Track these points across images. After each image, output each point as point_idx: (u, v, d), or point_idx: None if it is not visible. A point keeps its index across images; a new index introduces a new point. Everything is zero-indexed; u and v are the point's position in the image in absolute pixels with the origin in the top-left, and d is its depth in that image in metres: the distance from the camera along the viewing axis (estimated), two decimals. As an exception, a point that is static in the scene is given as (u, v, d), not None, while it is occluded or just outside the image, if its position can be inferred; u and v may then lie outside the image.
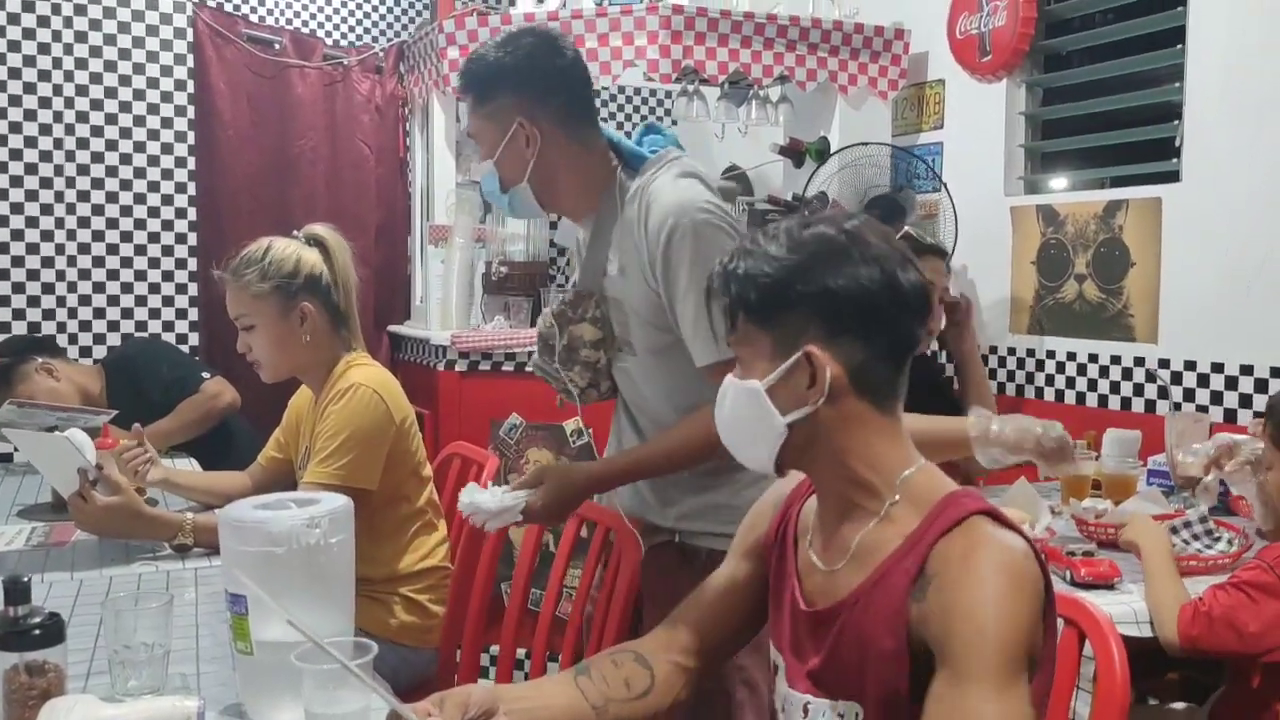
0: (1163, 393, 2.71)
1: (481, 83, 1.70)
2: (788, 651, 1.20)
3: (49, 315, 3.44)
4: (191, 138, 3.60)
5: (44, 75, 3.41)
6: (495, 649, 2.24)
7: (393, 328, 3.73)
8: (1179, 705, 2.02)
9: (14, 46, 3.37)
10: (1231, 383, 2.56)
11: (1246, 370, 2.53)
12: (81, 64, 3.46)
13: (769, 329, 1.13)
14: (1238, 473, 1.99)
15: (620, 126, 4.43)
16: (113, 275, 3.53)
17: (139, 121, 3.54)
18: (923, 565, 1.05)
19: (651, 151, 1.75)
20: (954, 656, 1.00)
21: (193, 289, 3.61)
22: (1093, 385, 2.92)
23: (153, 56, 3.55)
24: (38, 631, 1.14)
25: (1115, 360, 2.86)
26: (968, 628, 1.00)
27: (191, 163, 3.61)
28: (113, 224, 3.53)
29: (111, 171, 3.52)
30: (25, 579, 1.16)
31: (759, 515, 1.31)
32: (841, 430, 1.13)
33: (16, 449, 2.65)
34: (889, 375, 1.14)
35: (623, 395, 1.84)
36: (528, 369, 1.97)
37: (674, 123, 4.56)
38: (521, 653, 2.53)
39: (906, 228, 2.46)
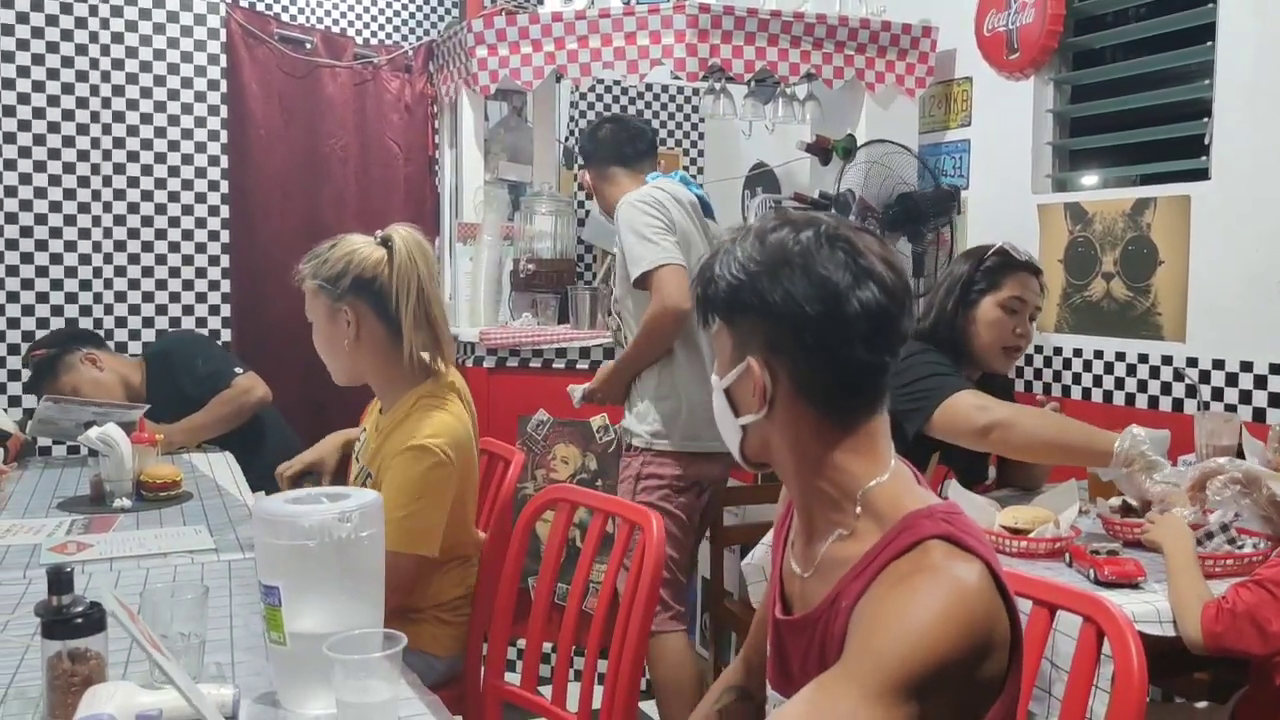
0: (1191, 391, 2.70)
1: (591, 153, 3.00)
2: (772, 655, 1.21)
3: (85, 312, 3.51)
4: (224, 136, 3.65)
5: (81, 76, 3.46)
6: (522, 643, 2.26)
7: (422, 324, 3.76)
8: (1203, 704, 2.02)
9: (53, 48, 3.43)
10: (1260, 381, 2.55)
11: (1276, 369, 2.52)
12: (118, 65, 3.52)
13: (730, 331, 1.14)
14: (1225, 494, 1.83)
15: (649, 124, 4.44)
16: (147, 272, 3.59)
17: (173, 121, 3.59)
18: (868, 585, 1.02)
19: (650, 179, 2.87)
20: (847, 652, 0.98)
21: (225, 286, 3.66)
22: (1120, 384, 2.91)
23: (186, 57, 3.60)
24: (80, 620, 1.17)
25: (1143, 359, 2.85)
26: (871, 633, 0.97)
27: (224, 161, 3.65)
28: (147, 222, 3.59)
29: (146, 170, 3.57)
30: (68, 569, 1.20)
31: (779, 509, 1.32)
32: (794, 439, 1.12)
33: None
34: (844, 392, 1.10)
35: (624, 332, 2.89)
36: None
37: (701, 120, 4.58)
38: (548, 647, 2.55)
39: (1001, 243, 2.44)
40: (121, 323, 3.56)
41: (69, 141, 3.46)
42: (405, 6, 4.34)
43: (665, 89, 4.56)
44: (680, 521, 2.72)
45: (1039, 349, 3.15)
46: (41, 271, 3.45)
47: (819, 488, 1.12)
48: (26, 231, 3.43)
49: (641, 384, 2.77)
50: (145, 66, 3.55)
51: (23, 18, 3.39)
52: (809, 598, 1.13)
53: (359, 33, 4.25)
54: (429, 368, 2.00)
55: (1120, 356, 2.91)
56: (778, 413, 1.11)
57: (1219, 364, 2.65)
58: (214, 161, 3.65)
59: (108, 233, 3.53)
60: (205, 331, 3.62)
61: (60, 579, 1.19)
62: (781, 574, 1.21)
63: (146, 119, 3.56)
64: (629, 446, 2.81)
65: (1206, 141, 2.68)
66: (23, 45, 3.40)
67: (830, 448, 1.10)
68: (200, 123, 3.64)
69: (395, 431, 1.92)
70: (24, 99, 3.40)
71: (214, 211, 3.66)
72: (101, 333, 3.39)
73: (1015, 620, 1.03)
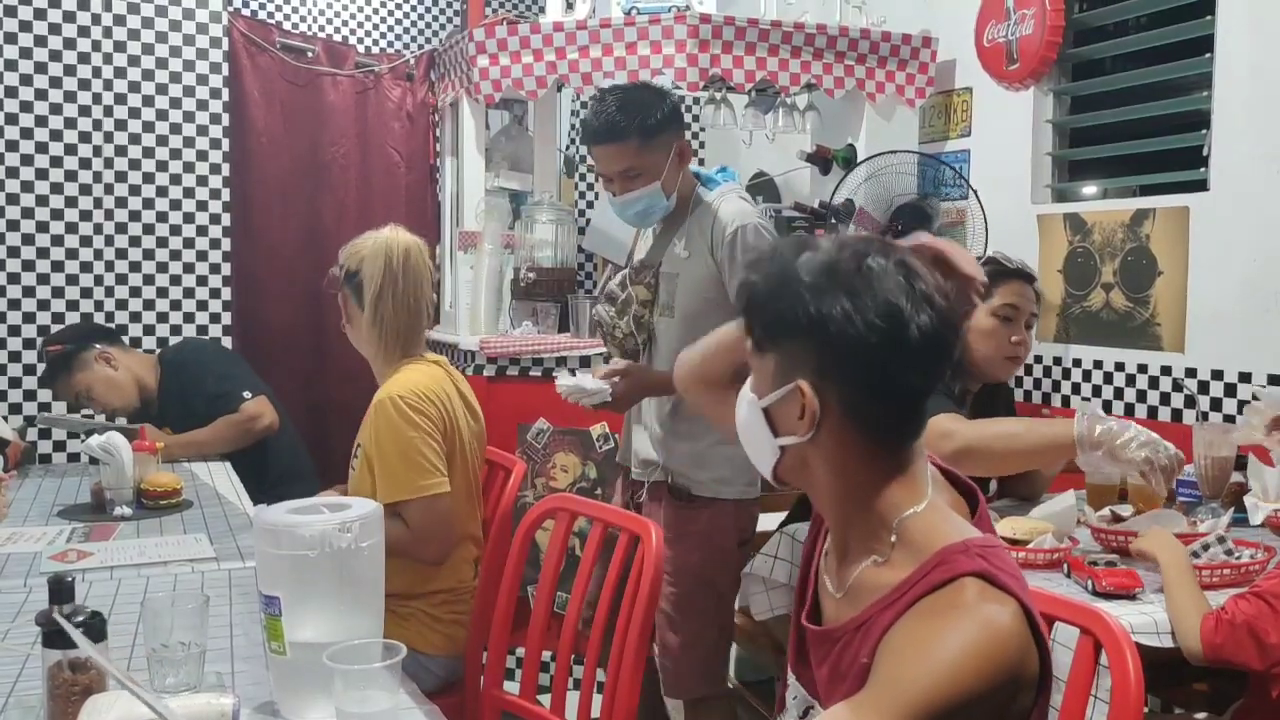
0: (1189, 402, 2.70)
1: (651, 128, 2.26)
2: (793, 653, 1.22)
3: (87, 319, 3.51)
4: (226, 144, 3.66)
5: (84, 84, 3.47)
6: (521, 651, 2.27)
7: (422, 332, 3.76)
8: (1201, 715, 2.02)
9: (55, 56, 3.44)
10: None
11: (1275, 380, 2.52)
12: (120, 72, 3.53)
13: (774, 350, 1.11)
14: None
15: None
16: (149, 279, 3.60)
17: (175, 128, 3.60)
18: (899, 617, 1.02)
19: (725, 180, 2.41)
20: (870, 684, 0.98)
21: (226, 293, 3.67)
22: (1119, 394, 2.92)
23: (189, 65, 3.61)
24: (81, 630, 1.17)
25: (1142, 369, 2.85)
26: (895, 666, 0.96)
27: (225, 169, 3.66)
28: (149, 229, 3.59)
29: (148, 177, 3.58)
30: (70, 579, 1.20)
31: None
32: (837, 464, 1.09)
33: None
34: (890, 419, 1.09)
35: (655, 349, 2.36)
36: (592, 312, 2.46)
37: (701, 129, 4.59)
38: (547, 655, 2.56)
39: (993, 252, 2.45)
40: (123, 330, 3.56)
41: (71, 149, 3.47)
42: (407, 15, 4.36)
43: (666, 98, 4.56)
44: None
45: (1038, 359, 3.16)
46: (43, 279, 3.45)
47: (857, 514, 1.10)
48: (29, 239, 3.44)
49: (687, 423, 2.28)
50: (148, 74, 3.56)
51: (25, 26, 3.41)
52: (838, 616, 1.13)
53: (360, 41, 4.27)
54: (401, 349, 2.20)
55: (1119, 367, 2.92)
56: (823, 436, 1.08)
57: (1218, 374, 2.66)
58: (215, 169, 3.66)
59: (110, 240, 3.53)
60: (207, 338, 3.62)
61: (61, 589, 1.19)
62: (816, 585, 1.21)
63: (149, 127, 3.58)
64: (686, 496, 2.30)
65: (1205, 153, 2.69)
66: (25, 54, 3.41)
67: (875, 474, 1.09)
68: (202, 130, 3.65)
69: (375, 399, 2.13)
70: (27, 107, 3.41)
71: (215, 219, 3.67)
72: (116, 331, 3.38)
73: (1046, 659, 1.03)
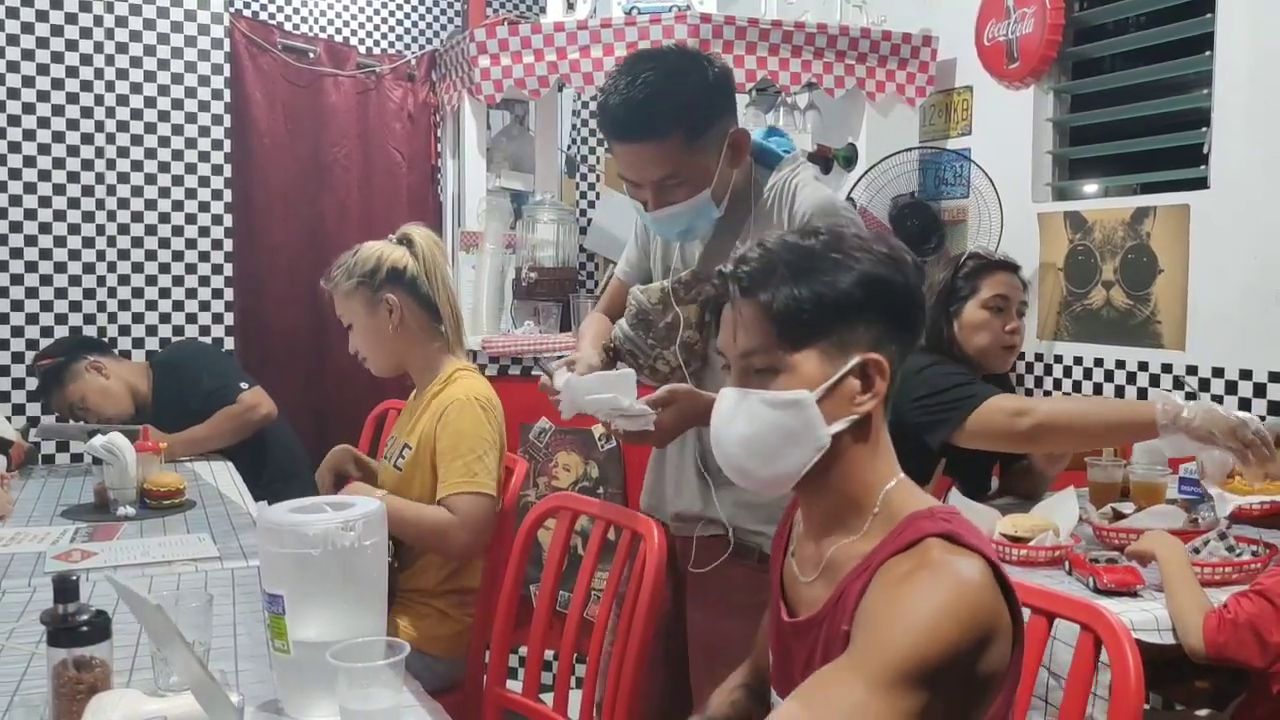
0: (1190, 399, 2.70)
1: (701, 116, 1.69)
2: (776, 658, 1.22)
3: (89, 320, 3.52)
4: (227, 146, 3.66)
5: (86, 85, 3.48)
6: (523, 651, 2.27)
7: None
8: (1203, 712, 2.03)
9: (58, 58, 3.45)
10: (1260, 390, 2.56)
11: (1275, 378, 2.53)
12: (122, 74, 3.53)
13: (819, 339, 1.10)
14: None
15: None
16: (150, 281, 3.60)
17: (177, 130, 3.60)
18: (869, 583, 1.04)
19: (785, 151, 1.83)
20: (853, 644, 1.00)
21: (228, 294, 3.67)
22: (1120, 392, 2.92)
23: (190, 66, 3.61)
24: (85, 628, 1.18)
25: (1143, 367, 2.86)
26: (876, 626, 0.99)
27: (227, 170, 3.67)
28: (151, 230, 3.60)
29: (150, 179, 3.59)
30: (74, 577, 1.21)
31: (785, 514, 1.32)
32: (860, 441, 1.12)
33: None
34: (891, 391, 1.14)
35: (711, 379, 1.76)
36: (613, 337, 1.88)
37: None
38: (550, 654, 2.56)
39: (974, 247, 2.47)
40: (125, 331, 3.57)
41: (74, 150, 3.48)
42: (408, 16, 4.37)
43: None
44: None
45: (1039, 356, 3.16)
46: (46, 280, 3.46)
47: (856, 493, 1.13)
48: (31, 240, 3.44)
49: None
50: (149, 76, 3.57)
51: (28, 28, 3.41)
52: (814, 601, 1.15)
53: (362, 42, 4.27)
54: (449, 345, 2.22)
55: (1120, 365, 2.92)
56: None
57: (1218, 372, 2.66)
58: (217, 170, 3.67)
59: (111, 241, 3.54)
60: (209, 340, 3.63)
61: (65, 587, 1.19)
62: (784, 581, 1.22)
63: (150, 128, 3.58)
64: (747, 553, 1.79)
65: (1205, 151, 2.70)
66: (28, 55, 3.41)
67: (873, 446, 1.13)
68: (204, 132, 3.65)
69: (435, 399, 2.13)
70: (29, 109, 3.42)
71: (217, 220, 3.68)
72: (105, 341, 3.40)
73: (1017, 614, 1.05)
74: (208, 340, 3.62)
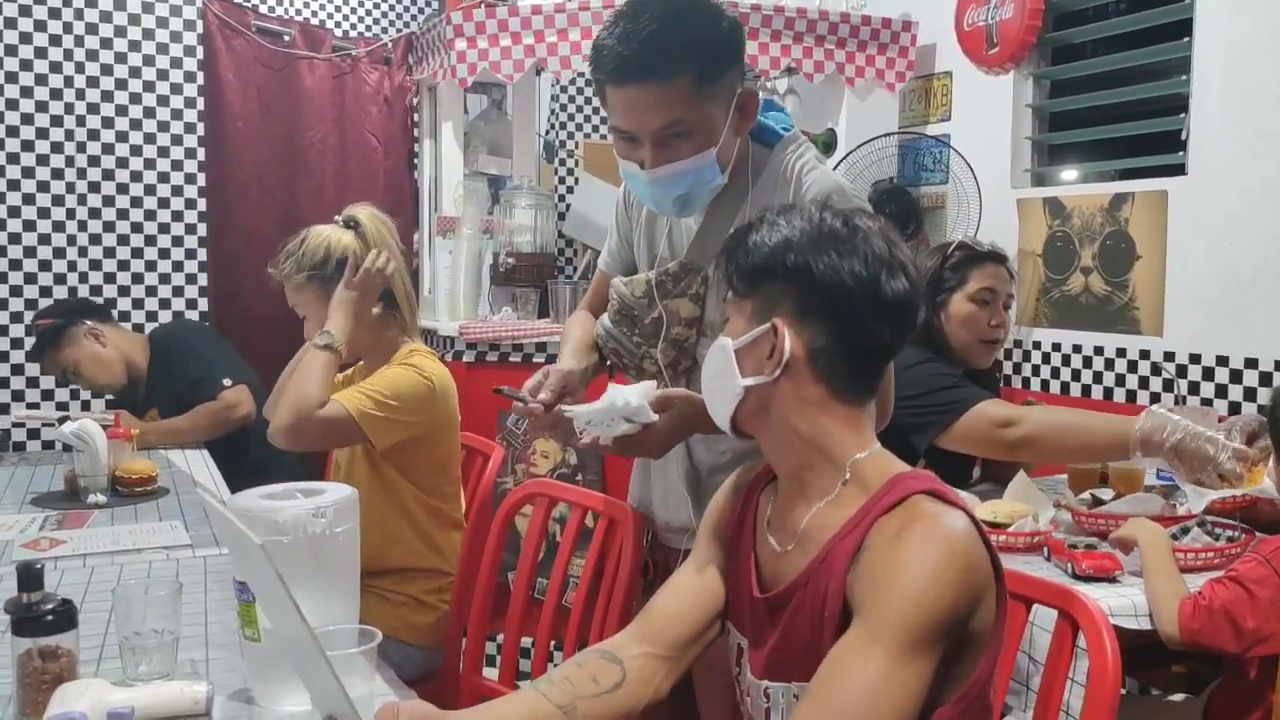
0: (1168, 385, 2.71)
1: (711, 60, 1.47)
2: (748, 637, 1.22)
3: (75, 296, 3.47)
4: (201, 129, 3.62)
5: (55, 67, 3.43)
6: (500, 638, 2.26)
7: (401, 318, 3.74)
8: (1178, 697, 2.04)
9: (26, 39, 3.39)
10: (1236, 376, 2.57)
11: (1251, 363, 2.54)
12: (93, 56, 3.48)
13: (753, 294, 1.18)
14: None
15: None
16: (123, 266, 3.56)
17: (149, 113, 3.56)
18: (861, 542, 1.07)
19: (784, 129, 1.64)
20: (865, 614, 1.03)
21: (202, 279, 3.64)
22: (1098, 378, 2.93)
23: (163, 49, 3.57)
24: (50, 617, 1.16)
25: (1121, 353, 2.86)
26: (885, 590, 1.02)
27: (201, 154, 3.63)
28: (123, 215, 3.56)
29: (122, 163, 3.54)
30: (38, 565, 1.18)
31: (719, 501, 1.33)
32: (794, 407, 1.16)
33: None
34: (853, 369, 1.16)
35: (697, 384, 1.48)
36: (595, 335, 1.73)
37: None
38: (527, 641, 2.55)
39: (962, 237, 2.43)
40: (98, 316, 3.53)
41: (43, 134, 3.43)
42: (384, -2, 4.31)
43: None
44: None
45: (1018, 343, 3.16)
46: (15, 265, 3.41)
47: (809, 456, 1.16)
48: None
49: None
50: (120, 58, 3.52)
51: (-5, 8, 3.36)
52: (788, 571, 1.15)
53: (337, 25, 4.22)
54: (406, 328, 2.18)
55: (1098, 351, 2.93)
56: (786, 378, 1.15)
57: (1196, 358, 2.67)
58: (191, 154, 3.63)
59: (83, 225, 3.49)
60: (199, 321, 3.57)
61: (29, 575, 1.17)
62: (758, 559, 1.22)
63: (122, 111, 3.53)
64: None
65: (1184, 137, 2.70)
66: (-5, 36, 3.36)
67: (831, 418, 1.15)
68: (177, 115, 3.61)
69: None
70: (-4, 90, 3.37)
71: (191, 204, 3.64)
72: (107, 308, 3.33)
73: (999, 571, 1.08)
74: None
